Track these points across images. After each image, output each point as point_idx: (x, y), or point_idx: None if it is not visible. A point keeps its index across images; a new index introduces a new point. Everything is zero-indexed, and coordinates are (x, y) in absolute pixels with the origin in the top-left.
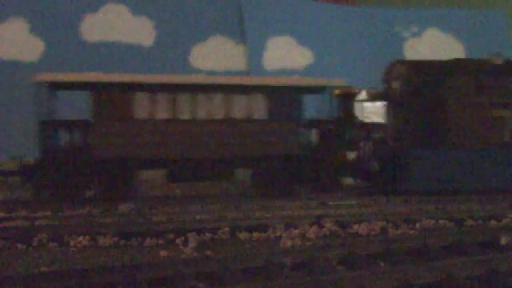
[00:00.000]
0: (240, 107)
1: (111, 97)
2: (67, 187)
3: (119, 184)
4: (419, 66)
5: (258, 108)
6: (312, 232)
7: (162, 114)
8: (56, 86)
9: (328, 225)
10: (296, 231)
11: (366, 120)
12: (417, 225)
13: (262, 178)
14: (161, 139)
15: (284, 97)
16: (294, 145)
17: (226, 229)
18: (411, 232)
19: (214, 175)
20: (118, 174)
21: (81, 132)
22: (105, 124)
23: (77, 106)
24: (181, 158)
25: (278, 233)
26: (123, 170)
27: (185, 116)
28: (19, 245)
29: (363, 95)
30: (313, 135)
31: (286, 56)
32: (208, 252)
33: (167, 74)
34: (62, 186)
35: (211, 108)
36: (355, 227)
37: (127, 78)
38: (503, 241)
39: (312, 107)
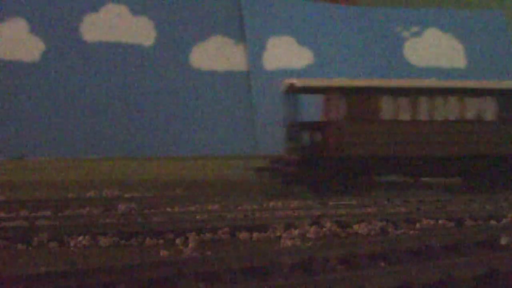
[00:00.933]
0: (472, 109)
1: (361, 100)
2: (315, 181)
3: (362, 179)
4: None
5: (488, 110)
6: (312, 232)
7: (404, 115)
8: (305, 91)
9: (328, 225)
10: (296, 231)
11: None
12: (417, 225)
13: (479, 176)
14: (402, 138)
15: None
16: None
17: (226, 229)
18: (411, 232)
19: (448, 172)
20: (361, 170)
21: (328, 132)
22: (355, 125)
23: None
24: (418, 156)
25: (278, 233)
26: (367, 166)
27: (424, 117)
28: (19, 245)
29: None
30: None
31: (286, 56)
32: (208, 252)
33: (408, 79)
34: (310, 180)
35: (446, 109)
36: (355, 227)
37: (374, 82)
38: (503, 241)
39: None
